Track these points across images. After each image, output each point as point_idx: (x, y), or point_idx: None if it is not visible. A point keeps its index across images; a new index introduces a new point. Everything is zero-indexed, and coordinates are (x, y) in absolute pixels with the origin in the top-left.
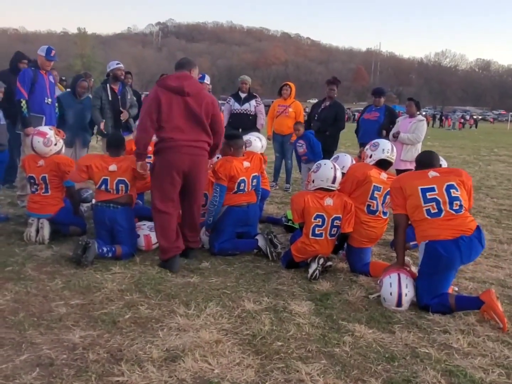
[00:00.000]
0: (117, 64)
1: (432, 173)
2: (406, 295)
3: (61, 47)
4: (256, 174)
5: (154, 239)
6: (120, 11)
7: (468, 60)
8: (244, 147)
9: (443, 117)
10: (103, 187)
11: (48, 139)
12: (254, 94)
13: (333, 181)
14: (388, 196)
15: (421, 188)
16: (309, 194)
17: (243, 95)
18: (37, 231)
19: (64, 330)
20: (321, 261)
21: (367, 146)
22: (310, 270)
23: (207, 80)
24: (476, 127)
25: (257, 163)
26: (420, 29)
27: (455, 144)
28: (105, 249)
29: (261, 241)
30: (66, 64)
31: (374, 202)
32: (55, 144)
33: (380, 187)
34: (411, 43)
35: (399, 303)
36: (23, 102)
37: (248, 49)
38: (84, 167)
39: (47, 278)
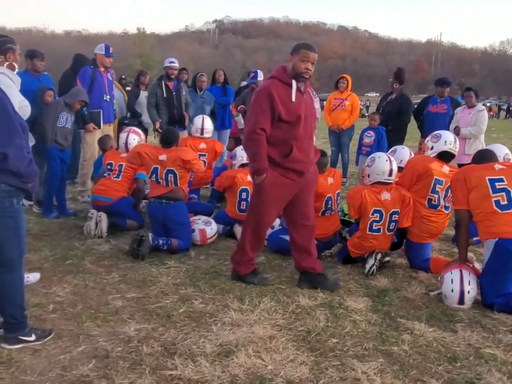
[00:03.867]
0: (170, 62)
1: (498, 166)
2: (468, 292)
3: (122, 47)
4: (339, 191)
5: (209, 233)
6: (177, 10)
7: None
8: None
9: (510, 108)
10: (153, 177)
11: (141, 140)
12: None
13: (390, 174)
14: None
15: (489, 178)
16: (366, 189)
17: None
18: (96, 224)
19: (120, 323)
20: (379, 256)
21: (428, 138)
22: (367, 266)
23: (261, 76)
24: None
25: (339, 180)
26: (483, 17)
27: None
28: (161, 241)
29: None
30: (125, 64)
31: (436, 196)
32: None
33: (442, 181)
34: (474, 32)
35: (461, 301)
36: None
37: None
38: (136, 153)
39: (104, 271)
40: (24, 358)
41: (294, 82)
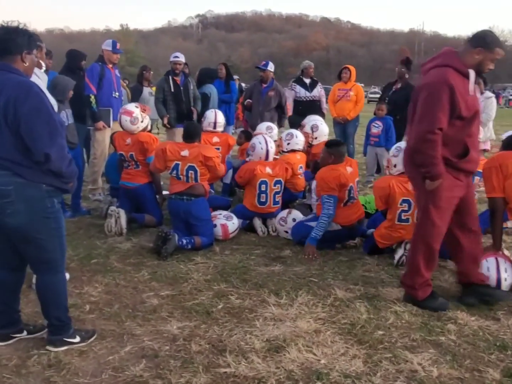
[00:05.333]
0: (174, 57)
1: None
2: (505, 279)
3: None
4: (358, 179)
5: (231, 228)
6: (160, 6)
7: None
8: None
9: (497, 95)
10: (174, 172)
11: (134, 118)
12: (315, 79)
13: None
14: (476, 178)
15: None
16: (393, 179)
17: (307, 81)
18: (116, 221)
19: (161, 321)
20: (408, 246)
21: None
22: (396, 256)
23: (271, 67)
24: None
25: (356, 168)
26: (465, 5)
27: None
28: (184, 241)
29: None
30: None
31: None
32: (142, 121)
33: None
34: (456, 21)
35: (497, 288)
36: (92, 97)
37: (288, 36)
38: (160, 151)
39: (132, 269)
40: (73, 360)
41: (472, 72)
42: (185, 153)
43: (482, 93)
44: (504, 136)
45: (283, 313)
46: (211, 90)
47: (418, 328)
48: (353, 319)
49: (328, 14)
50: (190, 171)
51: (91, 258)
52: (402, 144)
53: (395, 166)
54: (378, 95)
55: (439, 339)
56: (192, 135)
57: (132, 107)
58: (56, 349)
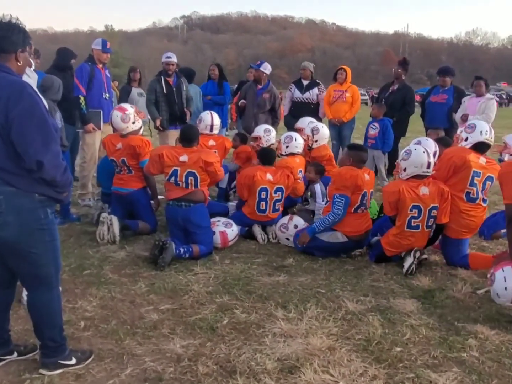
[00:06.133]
0: (167, 57)
1: None
2: None
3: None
4: (372, 190)
5: (230, 235)
6: (144, 7)
7: (500, 38)
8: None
9: None
10: (172, 179)
11: (126, 115)
12: (318, 81)
13: (428, 166)
14: (488, 182)
15: None
16: (403, 183)
17: (305, 83)
18: (108, 228)
19: (162, 339)
20: (417, 254)
21: (461, 129)
22: (406, 265)
23: (264, 68)
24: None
25: (373, 179)
26: (449, 8)
27: (501, 124)
28: (182, 250)
29: None
30: None
31: (474, 189)
32: (133, 123)
33: (480, 172)
34: (440, 23)
35: None
36: (82, 98)
37: (274, 38)
38: (157, 156)
39: (128, 281)
40: None
41: None
42: (184, 158)
43: (482, 94)
44: (508, 137)
45: (293, 329)
46: (195, 90)
47: (438, 343)
48: (367, 334)
49: (314, 16)
50: (190, 177)
51: (84, 269)
52: (412, 147)
53: (404, 170)
54: (363, 97)
55: (461, 356)
56: (190, 139)
57: (127, 105)
58: (50, 373)
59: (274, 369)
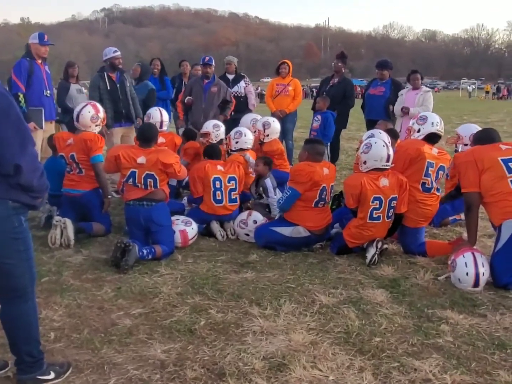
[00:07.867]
0: (114, 52)
1: (502, 146)
2: (483, 274)
3: (4, 38)
4: (333, 184)
5: (190, 234)
6: None
7: (415, 31)
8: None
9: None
10: (130, 180)
11: (97, 117)
12: (242, 74)
13: (388, 160)
14: (440, 172)
15: (502, 159)
16: (364, 176)
17: (230, 77)
18: (61, 232)
19: (141, 345)
20: (379, 244)
21: (413, 120)
22: (369, 255)
23: (213, 62)
24: None
25: (333, 173)
26: (368, 2)
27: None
28: (145, 252)
29: None
30: (12, 57)
31: (429, 179)
32: (97, 126)
33: (433, 163)
34: (359, 17)
35: (476, 283)
36: (21, 96)
37: (198, 31)
38: (113, 158)
39: (92, 286)
40: None
41: None
42: (141, 160)
43: (419, 87)
44: (460, 129)
45: (272, 325)
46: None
47: (413, 331)
48: (346, 326)
49: (237, 10)
50: (149, 180)
51: (41, 276)
52: (372, 140)
53: (364, 163)
54: None
55: (437, 342)
56: (148, 138)
57: (101, 108)
58: None
59: (262, 368)
